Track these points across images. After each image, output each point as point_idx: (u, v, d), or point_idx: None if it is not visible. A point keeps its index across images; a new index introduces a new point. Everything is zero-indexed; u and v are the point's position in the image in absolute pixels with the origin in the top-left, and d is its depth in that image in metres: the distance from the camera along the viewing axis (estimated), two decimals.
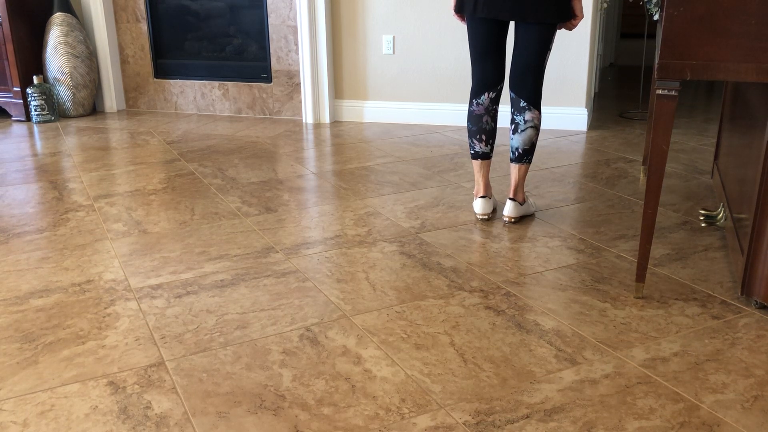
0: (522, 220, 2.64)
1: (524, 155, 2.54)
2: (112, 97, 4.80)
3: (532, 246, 2.39)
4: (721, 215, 2.32)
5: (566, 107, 4.05)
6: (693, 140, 3.84)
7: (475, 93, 2.56)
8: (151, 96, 4.83)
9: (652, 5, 3.64)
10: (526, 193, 2.78)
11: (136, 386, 1.61)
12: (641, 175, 3.18)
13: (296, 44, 4.34)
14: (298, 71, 4.39)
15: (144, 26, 4.67)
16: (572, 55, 3.94)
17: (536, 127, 2.51)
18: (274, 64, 4.44)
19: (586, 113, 4.04)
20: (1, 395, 1.58)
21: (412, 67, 4.23)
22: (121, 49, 4.77)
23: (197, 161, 3.52)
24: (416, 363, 1.68)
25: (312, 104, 4.36)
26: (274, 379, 1.62)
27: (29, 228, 2.63)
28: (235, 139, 4.00)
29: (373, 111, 4.38)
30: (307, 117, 4.40)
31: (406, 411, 1.50)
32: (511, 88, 2.52)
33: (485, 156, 2.60)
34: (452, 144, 3.80)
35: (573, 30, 2.82)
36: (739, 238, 2.06)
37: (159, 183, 3.16)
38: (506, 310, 1.93)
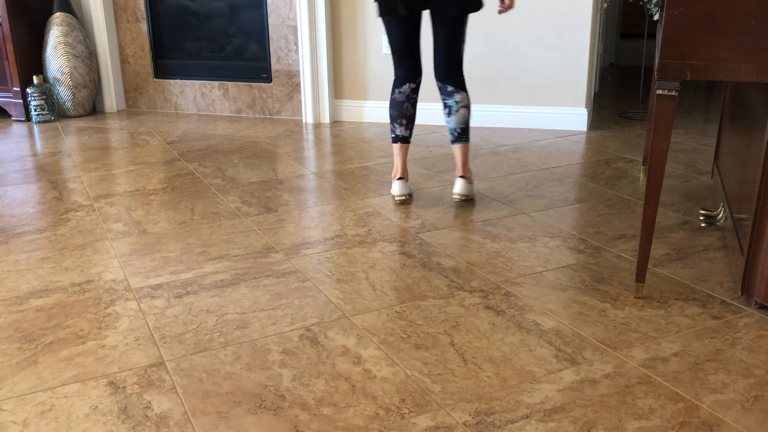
0: (471, 202, 2.79)
1: (462, 134, 2.75)
2: (112, 97, 4.80)
3: (532, 246, 2.39)
4: (721, 215, 2.32)
5: (566, 107, 4.05)
6: (693, 140, 3.84)
7: (398, 84, 2.79)
8: (151, 96, 4.83)
9: (652, 5, 3.64)
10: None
11: (136, 386, 1.61)
12: (641, 175, 3.18)
13: (296, 44, 4.34)
14: (298, 71, 4.39)
15: (144, 26, 4.67)
16: (572, 55, 3.94)
17: (467, 107, 2.73)
18: (274, 64, 4.44)
19: (586, 113, 4.04)
20: (1, 395, 1.58)
21: None
22: (121, 49, 4.77)
23: (197, 161, 3.52)
24: (416, 363, 1.68)
25: (312, 104, 4.36)
26: (274, 379, 1.62)
27: (29, 228, 2.63)
28: (235, 139, 4.00)
29: (373, 111, 4.38)
30: (307, 117, 4.40)
31: (406, 411, 1.50)
32: (437, 78, 2.74)
33: (405, 140, 2.83)
34: None
35: (503, 14, 2.98)
36: (739, 238, 2.06)
37: (159, 183, 3.16)
38: (506, 310, 1.93)
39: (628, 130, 4.10)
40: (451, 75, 2.69)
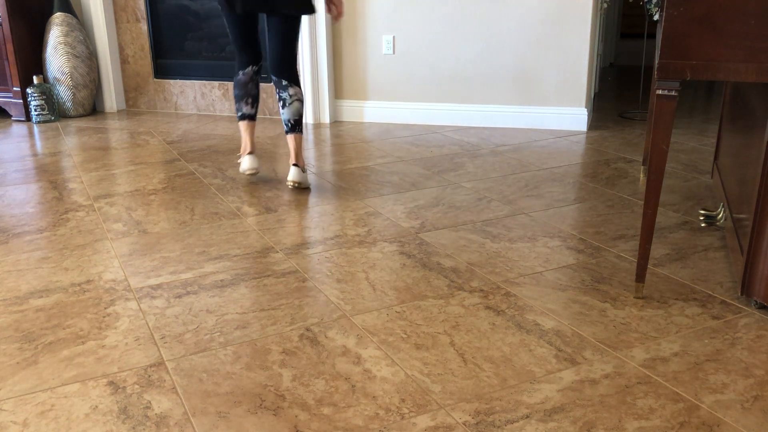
0: (307, 190, 2.99)
1: (296, 125, 2.96)
2: (112, 97, 4.80)
3: (532, 246, 2.39)
4: (721, 215, 2.32)
5: (566, 107, 4.05)
6: (693, 140, 3.84)
7: (241, 66, 3.03)
8: (151, 96, 4.83)
9: (652, 5, 3.64)
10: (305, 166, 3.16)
11: (136, 386, 1.61)
12: (641, 175, 3.18)
13: None
14: (298, 71, 4.38)
15: (144, 26, 4.67)
16: (572, 55, 3.94)
17: (300, 101, 2.96)
18: None
19: (586, 113, 4.04)
20: (1, 395, 1.58)
21: (412, 67, 4.23)
22: (121, 49, 4.77)
23: (197, 161, 3.52)
24: (416, 363, 1.68)
25: (312, 104, 4.36)
26: (274, 379, 1.62)
27: (29, 228, 2.63)
28: (235, 139, 4.00)
29: (373, 111, 4.38)
30: (307, 117, 4.40)
31: (406, 411, 1.50)
32: (272, 73, 2.94)
33: (251, 117, 3.09)
34: (452, 144, 3.80)
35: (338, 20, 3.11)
36: (739, 238, 2.06)
37: (159, 183, 3.17)
38: (506, 310, 1.93)
39: (628, 130, 4.10)
40: (285, 70, 2.91)
